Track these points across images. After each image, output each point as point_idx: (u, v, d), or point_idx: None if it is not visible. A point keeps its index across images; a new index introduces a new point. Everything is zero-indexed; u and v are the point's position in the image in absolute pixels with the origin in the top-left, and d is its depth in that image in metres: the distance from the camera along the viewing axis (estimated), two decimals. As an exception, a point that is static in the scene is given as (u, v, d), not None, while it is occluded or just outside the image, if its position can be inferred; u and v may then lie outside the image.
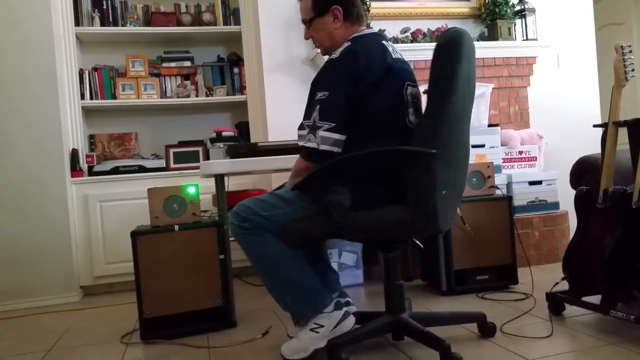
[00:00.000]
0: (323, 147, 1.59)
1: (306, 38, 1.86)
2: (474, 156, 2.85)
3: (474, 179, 2.48)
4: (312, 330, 1.67)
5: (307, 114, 1.65)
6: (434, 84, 1.58)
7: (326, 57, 1.76)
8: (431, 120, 1.58)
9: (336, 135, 1.59)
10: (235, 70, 3.70)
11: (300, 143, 1.65)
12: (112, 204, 3.13)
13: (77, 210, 3.09)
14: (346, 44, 1.67)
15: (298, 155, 1.92)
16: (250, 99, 3.52)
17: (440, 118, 1.56)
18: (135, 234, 2.05)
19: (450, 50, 1.56)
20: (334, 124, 1.59)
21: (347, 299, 1.85)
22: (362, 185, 1.63)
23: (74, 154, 3.15)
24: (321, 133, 1.59)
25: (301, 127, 1.66)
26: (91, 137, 3.59)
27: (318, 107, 1.61)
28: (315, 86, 1.67)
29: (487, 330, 1.79)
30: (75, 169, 3.13)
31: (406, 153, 1.58)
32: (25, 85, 2.94)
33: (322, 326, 1.67)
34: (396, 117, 1.68)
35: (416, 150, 1.55)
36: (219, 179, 2.19)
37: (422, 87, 1.78)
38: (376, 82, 1.63)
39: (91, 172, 3.23)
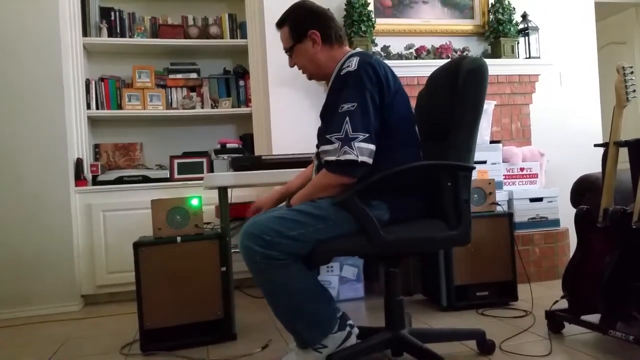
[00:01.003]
0: (362, 158, 1.56)
1: (291, 66, 1.85)
2: (475, 172, 2.86)
3: (476, 195, 2.50)
4: (315, 350, 1.63)
5: (335, 128, 1.59)
6: (467, 104, 1.69)
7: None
8: (464, 137, 1.68)
9: (371, 146, 1.58)
10: (241, 82, 3.73)
11: (330, 157, 1.58)
12: (116, 213, 3.15)
13: (81, 219, 3.11)
14: (354, 59, 1.66)
15: (303, 169, 1.93)
16: (255, 112, 3.55)
17: (472, 136, 1.68)
18: (137, 245, 2.06)
19: (483, 74, 1.70)
20: (367, 135, 1.58)
21: (349, 321, 1.84)
22: (398, 199, 1.65)
23: (79, 163, 3.18)
24: (357, 144, 1.56)
25: (327, 142, 1.60)
26: (96, 146, 3.62)
27: (348, 118, 1.58)
28: (339, 99, 1.63)
29: (486, 347, 1.80)
30: (79, 178, 3.15)
31: (452, 167, 1.65)
32: (31, 94, 2.98)
33: (325, 347, 1.64)
34: (412, 128, 1.76)
35: (464, 165, 1.65)
36: (223, 191, 2.20)
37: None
38: (396, 92, 1.68)
39: (95, 182, 3.26)
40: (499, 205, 2.54)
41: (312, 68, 1.81)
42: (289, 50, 1.81)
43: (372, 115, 1.61)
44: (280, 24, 1.82)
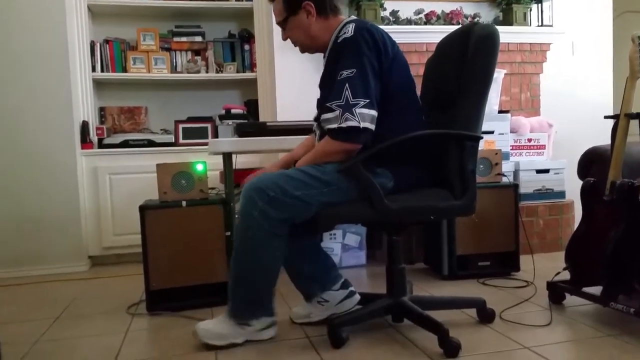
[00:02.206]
0: (364, 124, 1.55)
1: (284, 39, 1.81)
2: (482, 142, 2.84)
3: (482, 166, 2.48)
4: (238, 324, 1.65)
5: (335, 95, 1.57)
6: (477, 72, 1.65)
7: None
8: (473, 106, 1.66)
9: (372, 112, 1.57)
10: (246, 47, 3.68)
11: (332, 125, 1.57)
12: (122, 177, 3.16)
13: (87, 182, 3.12)
14: (350, 25, 1.63)
15: (308, 136, 1.92)
16: (260, 77, 3.51)
17: (481, 105, 1.66)
18: (143, 209, 2.08)
19: (494, 42, 1.66)
20: (368, 100, 1.56)
21: (351, 288, 1.87)
22: (403, 167, 1.64)
23: (84, 126, 3.17)
24: (359, 110, 1.54)
25: (328, 110, 1.58)
26: (102, 109, 3.61)
27: (347, 84, 1.56)
28: (337, 67, 1.61)
29: (486, 316, 1.82)
30: (85, 141, 3.15)
31: (459, 137, 1.63)
32: (36, 56, 2.95)
33: (250, 325, 1.66)
34: (413, 93, 1.74)
35: (471, 135, 1.63)
36: (227, 157, 2.20)
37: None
38: (394, 57, 1.65)
39: (101, 145, 3.26)
40: (505, 176, 2.52)
41: (306, 40, 1.76)
42: (282, 22, 1.76)
43: (371, 81, 1.59)
44: None
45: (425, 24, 3.37)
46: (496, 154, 2.51)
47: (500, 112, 3.15)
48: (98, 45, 3.44)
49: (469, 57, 1.67)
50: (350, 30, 1.62)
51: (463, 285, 2.35)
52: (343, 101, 1.56)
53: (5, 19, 2.91)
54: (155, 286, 2.08)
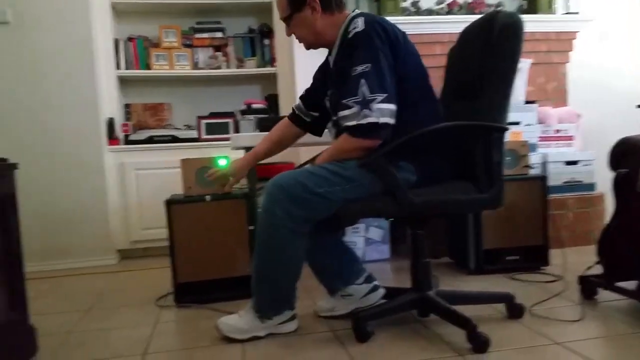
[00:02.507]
0: (383, 120, 1.51)
1: (288, 35, 1.78)
2: (508, 134, 2.79)
3: (508, 158, 2.43)
4: (259, 318, 1.67)
5: (351, 92, 1.54)
6: (502, 60, 1.61)
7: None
8: (498, 96, 1.61)
9: (391, 106, 1.53)
10: (266, 41, 3.68)
11: (350, 122, 1.53)
12: (147, 172, 3.21)
13: (114, 177, 3.18)
14: (359, 20, 1.59)
15: (273, 129, 1.94)
16: (280, 72, 3.51)
17: (507, 95, 1.61)
18: (169, 203, 2.10)
19: (519, 30, 1.62)
20: (385, 94, 1.52)
21: (375, 282, 1.86)
22: (426, 160, 1.62)
23: (111, 123, 3.22)
24: (377, 105, 1.51)
25: (345, 107, 1.55)
26: (127, 106, 3.65)
27: (363, 80, 1.53)
28: (350, 63, 1.58)
29: (515, 311, 1.78)
30: (112, 137, 3.20)
31: (485, 128, 1.59)
32: (61, 55, 3.00)
33: (270, 319, 1.68)
34: (428, 83, 1.70)
35: (496, 126, 1.59)
36: (249, 151, 2.20)
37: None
38: (406, 48, 1.62)
39: (127, 141, 3.31)
40: (533, 168, 2.47)
41: (311, 37, 1.72)
42: (286, 19, 1.72)
43: (387, 74, 1.55)
44: None
45: (447, 13, 3.32)
46: (523, 145, 2.46)
47: (526, 102, 3.08)
48: (122, 43, 3.48)
49: (493, 46, 1.63)
50: (360, 24, 1.58)
51: (490, 280, 2.31)
52: (360, 97, 1.52)
53: (30, 18, 2.96)
54: (182, 279, 2.11)
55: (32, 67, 2.97)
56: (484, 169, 1.62)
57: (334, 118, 1.73)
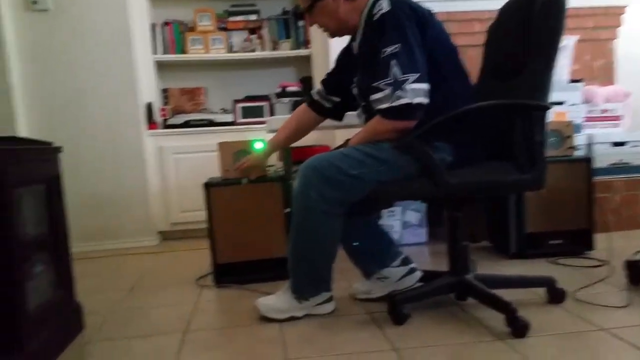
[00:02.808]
0: (417, 100, 1.48)
1: (310, 25, 1.77)
2: (551, 114, 2.70)
3: (552, 139, 2.35)
4: (296, 299, 1.68)
5: (382, 74, 1.51)
6: (543, 37, 1.54)
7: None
8: (540, 74, 1.55)
9: (424, 85, 1.50)
10: (300, 23, 3.65)
11: (383, 105, 1.51)
12: (185, 156, 3.27)
13: (153, 161, 3.24)
14: (383, 1, 1.55)
15: (289, 117, 1.94)
16: (315, 53, 3.49)
17: (549, 72, 1.54)
18: (207, 186, 2.13)
19: (561, 4, 1.54)
20: (418, 74, 1.49)
21: (412, 265, 1.84)
22: (463, 140, 1.58)
23: (149, 107, 3.28)
24: (410, 86, 1.48)
25: (376, 90, 1.52)
26: (164, 90, 3.71)
27: (394, 61, 1.49)
28: (378, 45, 1.54)
29: (556, 295, 1.73)
30: (150, 122, 3.26)
31: (526, 107, 1.54)
32: (100, 40, 3.07)
33: (307, 300, 1.69)
34: (458, 59, 1.66)
35: (538, 104, 1.53)
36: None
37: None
38: (433, 26, 1.58)
39: (165, 125, 3.36)
40: (578, 149, 2.38)
41: (334, 25, 1.69)
42: (308, 9, 1.69)
43: (418, 53, 1.51)
44: None
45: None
46: (567, 126, 2.37)
47: (571, 81, 2.96)
48: (158, 27, 3.52)
49: (534, 21, 1.56)
50: (385, 5, 1.54)
51: (532, 264, 2.25)
52: (392, 79, 1.49)
53: (69, 5, 3.03)
54: (221, 260, 2.15)
55: (73, 54, 3.05)
56: (524, 149, 1.56)
57: (363, 104, 1.70)
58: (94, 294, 2.17)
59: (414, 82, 1.48)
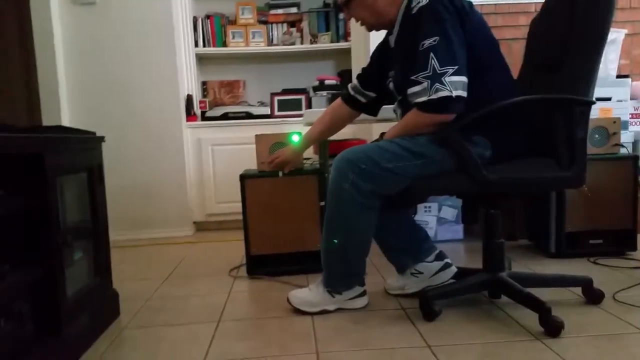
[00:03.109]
0: (456, 92, 1.45)
1: (347, 19, 1.75)
2: (597, 110, 2.60)
3: (597, 136, 2.27)
4: (329, 292, 1.69)
5: (420, 67, 1.49)
6: (589, 31, 1.50)
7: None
8: (584, 68, 1.51)
9: (463, 78, 1.48)
10: (341, 16, 3.64)
11: (421, 98, 1.49)
12: (222, 147, 3.32)
13: (192, 153, 3.31)
14: None
15: (325, 111, 1.93)
16: (355, 46, 3.47)
17: (594, 67, 1.50)
18: (243, 177, 2.16)
19: None
20: (457, 67, 1.47)
21: (447, 260, 1.82)
22: (502, 135, 1.56)
23: (189, 100, 3.35)
24: (449, 79, 1.45)
25: (414, 83, 1.51)
26: (204, 83, 3.78)
27: (432, 54, 1.47)
28: (417, 38, 1.52)
29: (593, 296, 1.68)
30: (190, 114, 3.33)
31: (568, 102, 1.50)
32: (143, 32, 3.14)
33: (340, 294, 1.69)
34: (499, 52, 1.62)
35: (581, 99, 1.49)
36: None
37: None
38: (473, 18, 1.55)
39: (204, 117, 3.43)
40: (623, 146, 2.29)
41: (372, 18, 1.68)
42: (346, 2, 1.69)
43: (457, 46, 1.48)
44: None
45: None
46: (614, 122, 2.28)
47: (618, 76, 2.84)
48: (200, 20, 3.58)
49: (579, 14, 1.51)
50: None
51: (571, 264, 2.19)
52: (430, 71, 1.47)
53: (112, 1, 3.11)
54: (254, 251, 2.18)
55: (117, 46, 3.13)
56: (565, 145, 1.53)
57: (400, 98, 1.69)
58: (129, 281, 2.24)
59: (452, 74, 1.46)
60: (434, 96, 1.47)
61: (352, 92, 1.91)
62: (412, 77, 1.52)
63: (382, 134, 1.70)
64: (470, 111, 1.47)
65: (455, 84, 1.46)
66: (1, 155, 1.24)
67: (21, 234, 1.29)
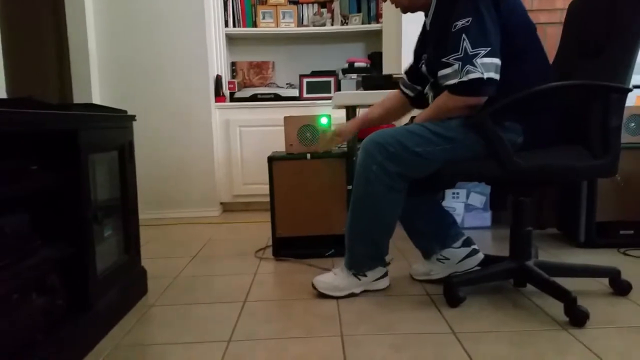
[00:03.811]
0: (488, 74, 1.43)
1: (384, 1, 1.70)
2: (634, 97, 2.52)
3: (633, 124, 2.20)
4: (355, 275, 1.69)
5: (452, 48, 1.46)
6: (625, 17, 1.45)
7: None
8: (622, 55, 1.47)
9: (496, 60, 1.45)
10: (373, -4, 3.59)
11: (452, 81, 1.47)
12: (250, 129, 3.34)
13: (220, 133, 3.34)
14: None
15: (388, 95, 1.88)
16: (386, 28, 3.42)
17: (633, 54, 1.46)
18: (271, 160, 2.18)
19: None
20: (489, 48, 1.44)
21: (474, 246, 1.80)
22: (535, 121, 1.53)
23: (218, 80, 3.37)
24: (481, 60, 1.43)
25: (445, 65, 1.49)
26: (233, 64, 3.79)
27: (464, 35, 1.44)
28: (450, 19, 1.50)
29: (620, 288, 1.66)
30: (218, 95, 3.36)
31: (605, 88, 1.46)
32: (174, 13, 3.16)
33: (365, 276, 1.70)
34: (535, 36, 1.58)
35: (618, 87, 1.45)
36: (351, 110, 2.20)
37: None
38: (509, 1, 1.51)
39: (232, 98, 3.45)
40: (661, 135, 2.22)
41: (407, 0, 1.67)
42: None
43: (490, 27, 1.45)
44: None
45: (573, -38, 3.01)
46: (651, 110, 2.20)
47: (659, 62, 2.74)
48: (231, 0, 3.58)
49: (622, 1, 1.46)
50: None
51: (600, 254, 2.15)
52: (461, 53, 1.45)
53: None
54: (281, 233, 2.20)
55: (149, 27, 3.17)
56: (600, 133, 1.49)
57: (432, 80, 1.67)
58: (158, 259, 2.29)
59: (484, 56, 1.44)
60: (464, 78, 1.45)
61: (402, 87, 1.90)
62: (444, 59, 1.49)
63: (412, 117, 1.68)
64: (505, 96, 1.44)
65: (487, 66, 1.44)
66: (36, 131, 1.27)
67: (53, 210, 1.32)
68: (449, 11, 1.52)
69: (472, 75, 1.44)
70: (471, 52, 1.44)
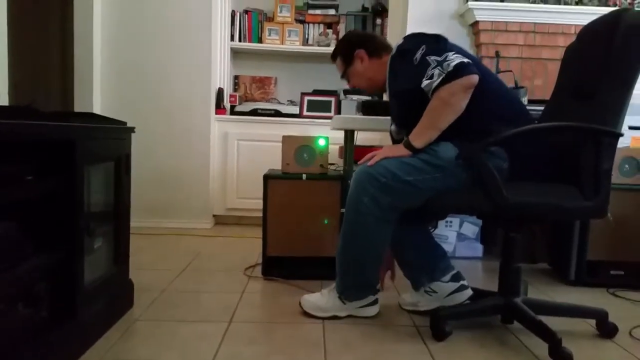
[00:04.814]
0: (466, 60, 1.52)
1: (351, 87, 1.96)
2: (629, 139, 2.54)
3: (626, 166, 2.22)
4: (340, 299, 1.70)
5: (423, 70, 1.55)
6: (624, 63, 1.49)
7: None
8: (615, 100, 1.50)
9: (465, 59, 1.52)
10: (378, 21, 3.64)
11: (438, 80, 1.51)
12: (248, 143, 3.35)
13: (217, 146, 3.35)
14: (400, 41, 1.71)
15: None
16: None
17: (625, 100, 1.50)
18: (267, 178, 2.18)
19: None
20: (452, 51, 1.55)
21: (463, 282, 1.79)
22: (521, 149, 1.56)
23: (220, 93, 3.38)
24: (452, 56, 1.53)
25: (427, 78, 1.53)
26: (236, 77, 3.81)
27: (427, 57, 1.56)
28: (407, 65, 1.62)
29: (606, 330, 1.65)
30: (219, 107, 3.37)
31: (597, 132, 1.48)
32: (182, 24, 3.18)
33: (350, 302, 1.70)
34: (485, 67, 1.73)
35: (610, 131, 1.48)
36: (349, 133, 2.21)
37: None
38: (453, 47, 1.63)
39: (233, 112, 3.46)
40: (654, 178, 2.23)
41: (366, 83, 1.87)
42: (344, 75, 1.90)
43: (443, 45, 1.59)
44: (333, 57, 1.93)
45: (577, 3, 3.06)
46: (646, 153, 2.22)
47: (657, 105, 2.77)
48: (238, 15, 3.61)
49: (615, 47, 1.50)
50: (400, 40, 1.71)
51: (589, 293, 2.15)
52: (433, 64, 1.54)
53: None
54: (271, 252, 2.19)
55: (154, 37, 3.18)
56: (591, 175, 1.50)
57: (396, 121, 1.82)
58: (146, 271, 2.25)
59: (453, 55, 1.53)
60: (448, 69, 1.51)
61: (394, 136, 1.94)
62: (423, 79, 1.54)
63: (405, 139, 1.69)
64: (477, 124, 1.52)
65: (459, 57, 1.52)
66: (35, 141, 1.27)
67: (46, 219, 1.32)
68: (401, 65, 1.65)
69: (453, 63, 1.51)
70: (441, 58, 1.54)
